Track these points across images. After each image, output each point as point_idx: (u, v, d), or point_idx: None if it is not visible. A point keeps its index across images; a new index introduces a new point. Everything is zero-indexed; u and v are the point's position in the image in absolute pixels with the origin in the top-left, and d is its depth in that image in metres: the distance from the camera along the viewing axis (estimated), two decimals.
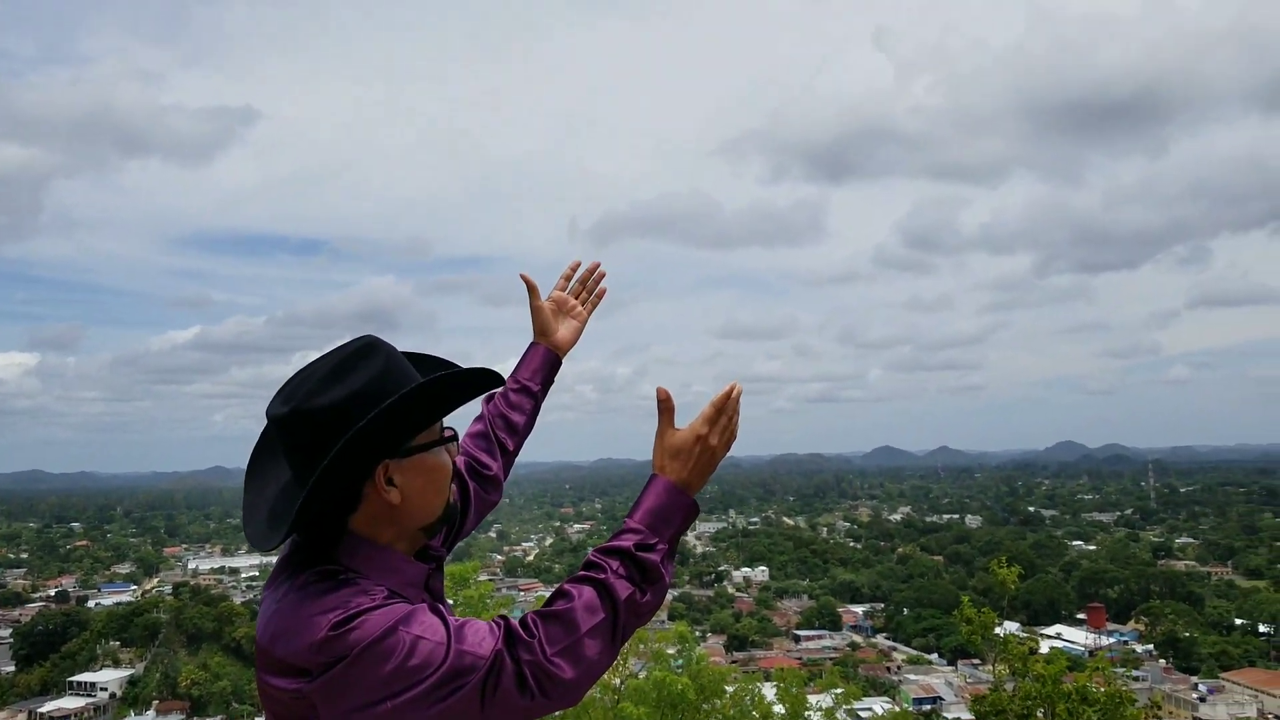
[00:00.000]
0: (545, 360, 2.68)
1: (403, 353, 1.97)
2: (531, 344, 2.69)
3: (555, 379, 2.71)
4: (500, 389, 2.54)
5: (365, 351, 1.87)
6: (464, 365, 2.02)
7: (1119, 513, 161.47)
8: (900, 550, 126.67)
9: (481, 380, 1.94)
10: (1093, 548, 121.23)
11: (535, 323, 2.70)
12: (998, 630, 8.99)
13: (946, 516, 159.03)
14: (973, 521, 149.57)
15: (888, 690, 62.50)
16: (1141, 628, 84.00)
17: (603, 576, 1.86)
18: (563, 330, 2.72)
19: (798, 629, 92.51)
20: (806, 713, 13.90)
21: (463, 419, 2.04)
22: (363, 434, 1.78)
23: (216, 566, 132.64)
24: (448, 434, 1.97)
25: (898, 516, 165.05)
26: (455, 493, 2.01)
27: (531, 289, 2.67)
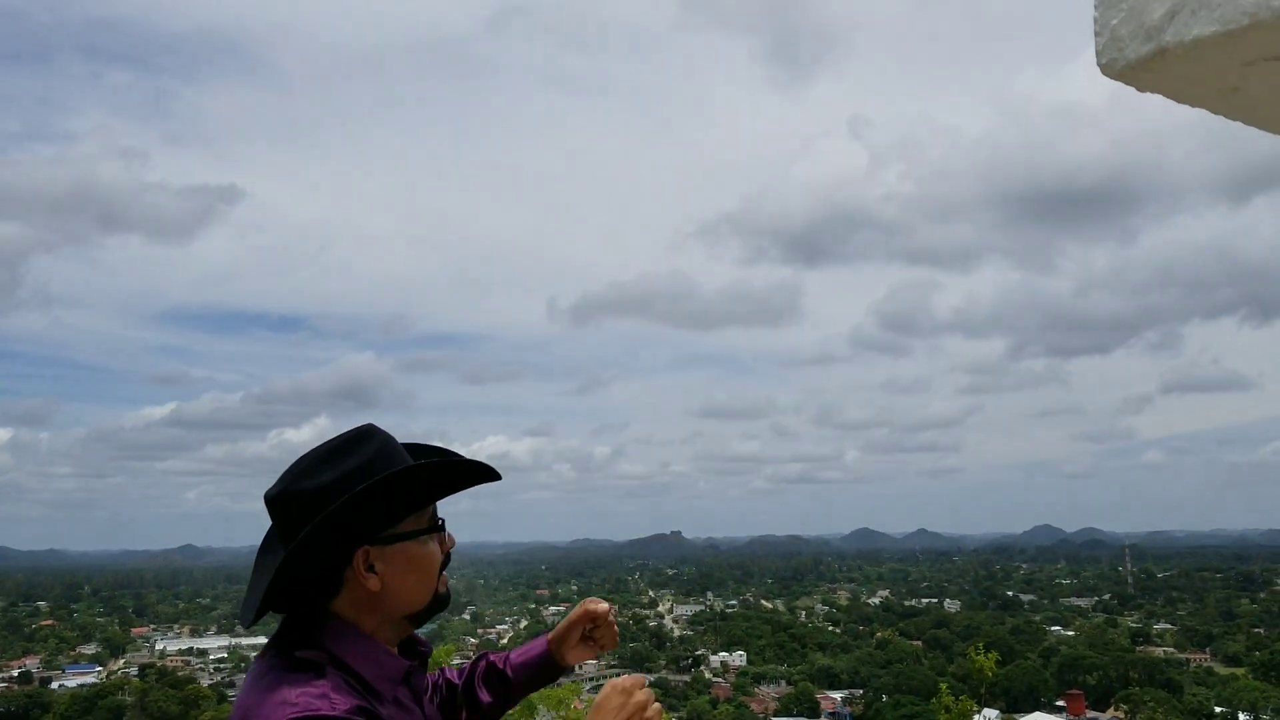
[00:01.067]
0: (542, 663, 2.39)
1: (405, 443, 1.98)
2: (545, 639, 2.41)
3: (541, 687, 2.46)
4: (486, 658, 2.40)
5: (361, 438, 1.90)
6: (450, 447, 2.04)
7: (1097, 598, 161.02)
8: (879, 635, 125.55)
9: (465, 472, 1.93)
10: (1071, 633, 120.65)
11: (564, 629, 2.40)
12: (976, 718, 9.04)
13: (925, 600, 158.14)
14: (951, 605, 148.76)
15: None
16: (1121, 715, 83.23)
17: None
18: (579, 650, 2.41)
19: (776, 716, 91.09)
20: None
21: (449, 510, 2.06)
22: (334, 517, 1.80)
23: (185, 648, 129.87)
24: (438, 522, 1.96)
25: (876, 600, 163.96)
26: (445, 582, 1.95)
27: (597, 617, 2.37)
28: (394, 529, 1.87)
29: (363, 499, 1.81)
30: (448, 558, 1.96)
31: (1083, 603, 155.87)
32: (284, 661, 1.83)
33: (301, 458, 1.89)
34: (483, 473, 1.96)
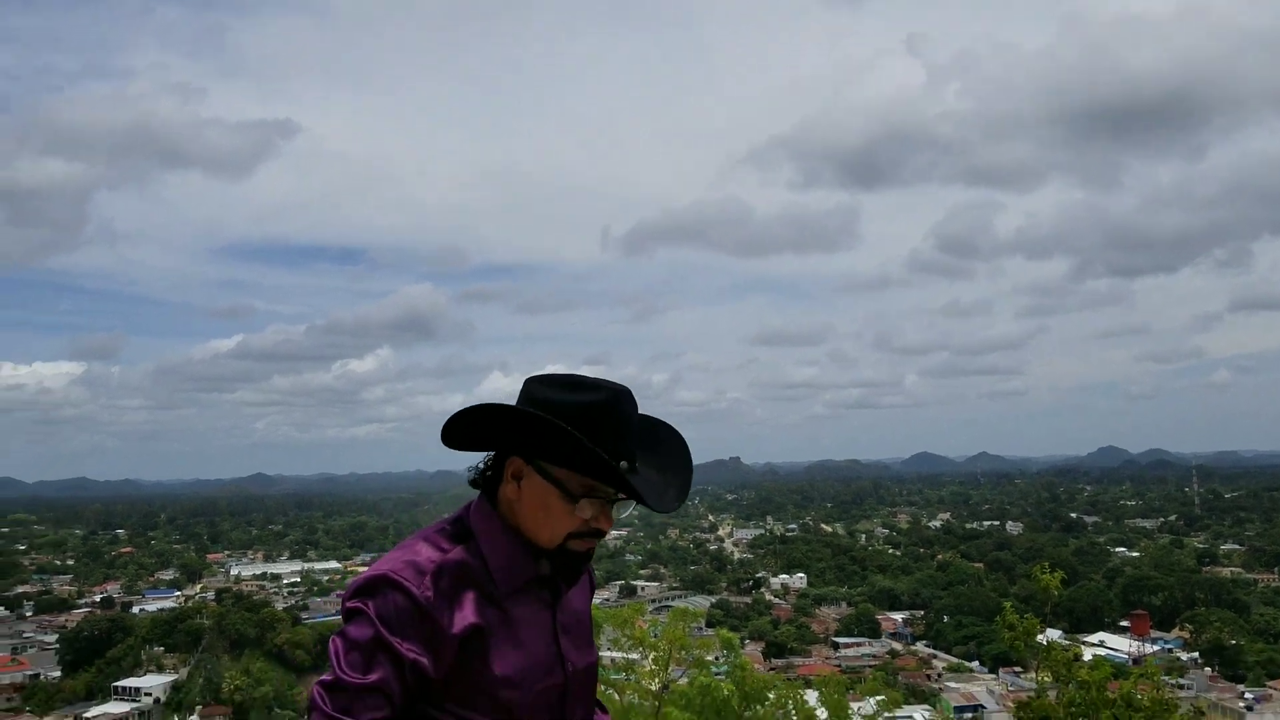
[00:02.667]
0: None
1: (645, 415, 2.08)
2: None
3: None
4: None
5: (600, 391, 1.95)
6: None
7: (1162, 519, 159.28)
8: (940, 557, 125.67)
9: (616, 480, 1.94)
10: (1136, 554, 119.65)
11: None
12: (1040, 638, 8.97)
13: (987, 523, 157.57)
14: (1014, 528, 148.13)
15: (928, 698, 62.06)
16: (1186, 635, 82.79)
17: None
18: None
19: (836, 636, 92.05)
20: (849, 718, 13.90)
21: None
22: (510, 417, 1.93)
23: (259, 573, 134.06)
24: (607, 494, 1.97)
25: (937, 523, 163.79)
26: (584, 548, 1.99)
27: None
28: (549, 464, 1.94)
29: (532, 427, 1.91)
30: (593, 532, 1.96)
31: (1148, 524, 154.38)
32: (437, 525, 1.99)
33: (563, 374, 1.99)
34: (639, 499, 1.97)
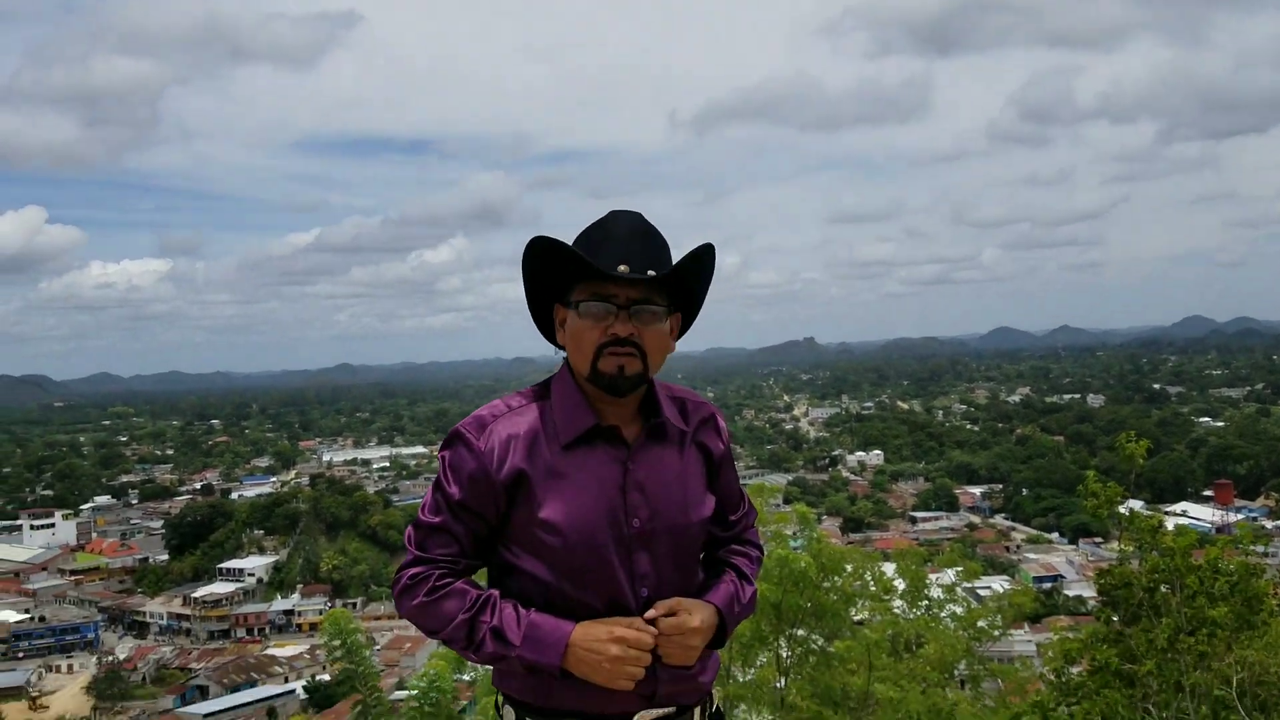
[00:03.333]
0: None
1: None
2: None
3: None
4: None
5: (609, 219, 2.03)
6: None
7: (1249, 388, 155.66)
8: (1019, 431, 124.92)
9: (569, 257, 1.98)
10: (1221, 424, 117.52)
11: None
12: (1122, 508, 9.01)
13: (1067, 396, 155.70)
14: (1095, 401, 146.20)
15: (1007, 569, 62.52)
16: (1271, 504, 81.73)
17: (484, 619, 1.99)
18: None
19: (914, 511, 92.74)
20: (927, 589, 14.17)
21: None
22: (530, 264, 2.05)
23: (349, 458, 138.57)
24: (605, 298, 1.97)
25: (1016, 398, 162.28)
26: (615, 365, 1.95)
27: None
28: (569, 295, 2.02)
29: (536, 256, 2.03)
30: (614, 340, 1.95)
31: (1234, 393, 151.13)
32: (525, 388, 2.11)
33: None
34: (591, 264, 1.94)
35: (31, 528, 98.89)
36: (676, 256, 2.02)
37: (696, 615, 1.96)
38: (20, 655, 67.08)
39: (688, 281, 2.06)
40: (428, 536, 1.99)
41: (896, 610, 14.15)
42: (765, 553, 2.31)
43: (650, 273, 1.95)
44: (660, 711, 2.01)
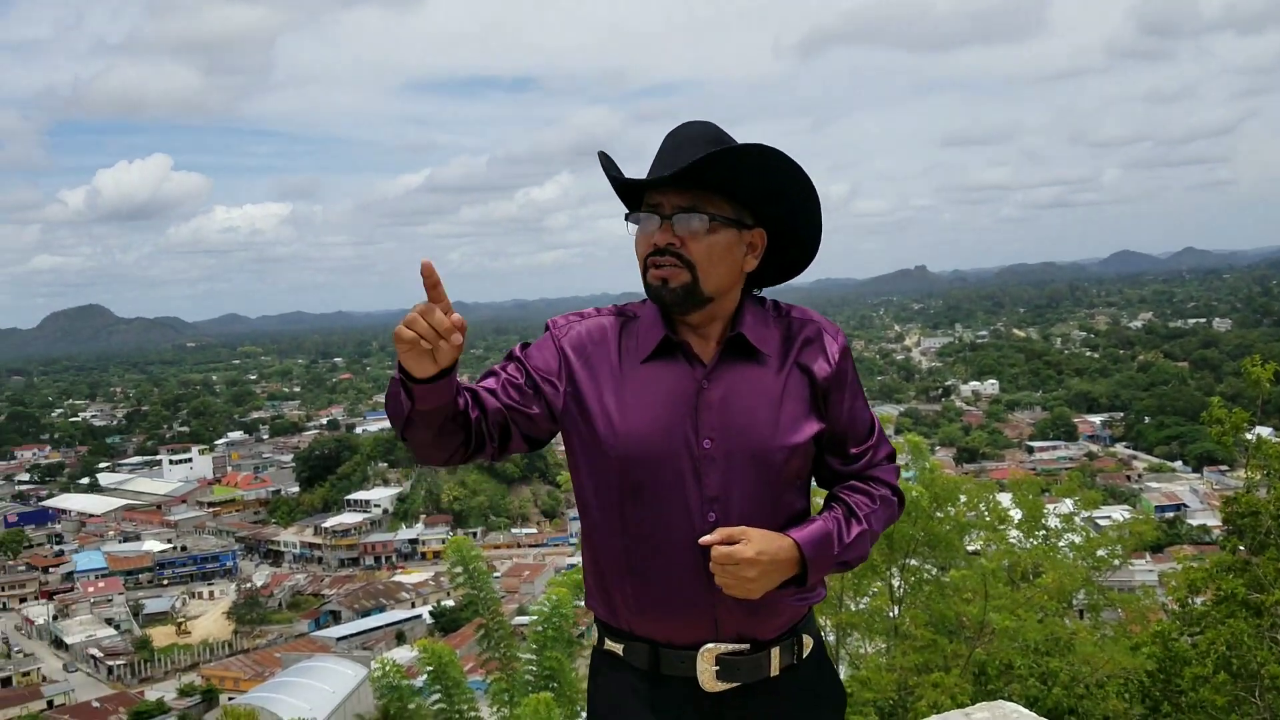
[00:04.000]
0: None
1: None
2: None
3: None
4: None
5: (679, 129, 1.95)
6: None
7: None
8: (1141, 358, 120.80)
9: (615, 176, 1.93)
10: None
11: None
12: (1249, 435, 8.81)
13: (1192, 321, 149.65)
14: (1221, 325, 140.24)
15: (1128, 499, 61.05)
16: None
17: None
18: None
19: (1031, 440, 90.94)
20: (1044, 518, 14.10)
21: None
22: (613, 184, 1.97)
23: None
24: (647, 206, 1.91)
25: (1138, 323, 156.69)
26: (658, 278, 1.88)
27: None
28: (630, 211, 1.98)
29: (607, 171, 1.95)
30: (657, 250, 1.87)
31: None
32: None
33: None
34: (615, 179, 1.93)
35: (170, 463, 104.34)
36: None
37: (754, 546, 1.77)
38: (165, 582, 71.30)
39: (719, 183, 1.86)
40: (492, 374, 1.96)
41: (1012, 540, 14.11)
42: (903, 498, 2.06)
43: (665, 174, 1.83)
44: (729, 647, 1.89)
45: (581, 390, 1.94)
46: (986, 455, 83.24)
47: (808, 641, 1.99)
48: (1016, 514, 13.84)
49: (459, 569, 11.75)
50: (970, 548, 13.73)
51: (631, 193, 1.95)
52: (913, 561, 13.24)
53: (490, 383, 1.93)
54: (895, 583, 13.25)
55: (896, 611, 12.91)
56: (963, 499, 13.34)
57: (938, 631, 11.96)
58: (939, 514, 12.95)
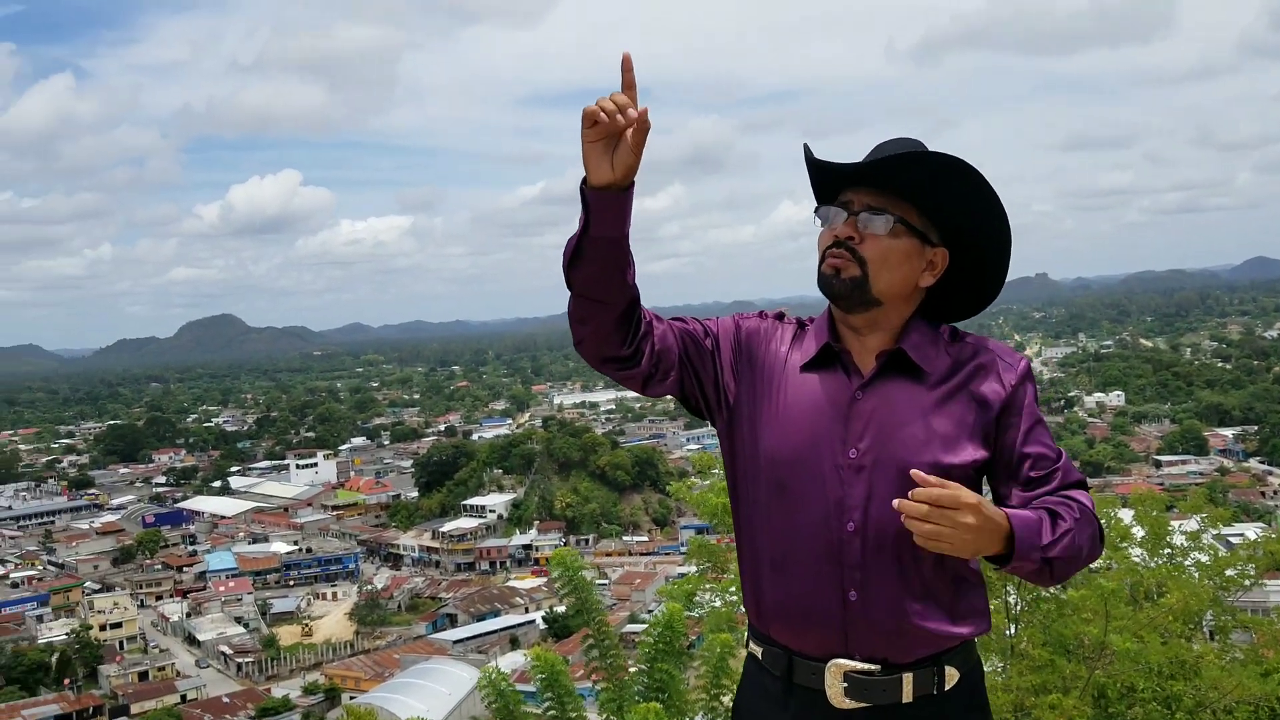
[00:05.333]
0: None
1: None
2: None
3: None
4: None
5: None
6: (813, 205, 2.02)
7: None
8: (1277, 369, 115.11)
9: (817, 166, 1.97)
10: None
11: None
12: None
13: None
14: None
15: (1262, 516, 58.23)
16: None
17: None
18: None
19: (1158, 454, 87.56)
20: (1169, 536, 13.67)
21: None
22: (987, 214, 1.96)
23: (578, 401, 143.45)
24: (836, 201, 1.94)
25: (1274, 333, 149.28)
26: (831, 267, 1.89)
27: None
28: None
29: (808, 159, 1.98)
30: (835, 242, 1.89)
31: None
32: None
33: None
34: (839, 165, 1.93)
35: (297, 467, 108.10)
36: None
37: (974, 497, 1.67)
38: (291, 583, 73.75)
39: (910, 189, 1.87)
40: (678, 319, 2.05)
41: (1135, 558, 13.72)
42: (1104, 526, 1.93)
43: (844, 163, 1.90)
44: (857, 665, 1.85)
45: (742, 385, 1.98)
46: (1111, 469, 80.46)
47: (952, 674, 1.89)
48: (1139, 531, 13.46)
49: (563, 579, 11.94)
50: (1091, 565, 13.41)
51: (825, 190, 1.97)
52: None
53: (676, 322, 2.01)
54: (1011, 599, 13.04)
55: (1013, 630, 12.69)
56: None
57: (1055, 652, 11.72)
58: None
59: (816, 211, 1.96)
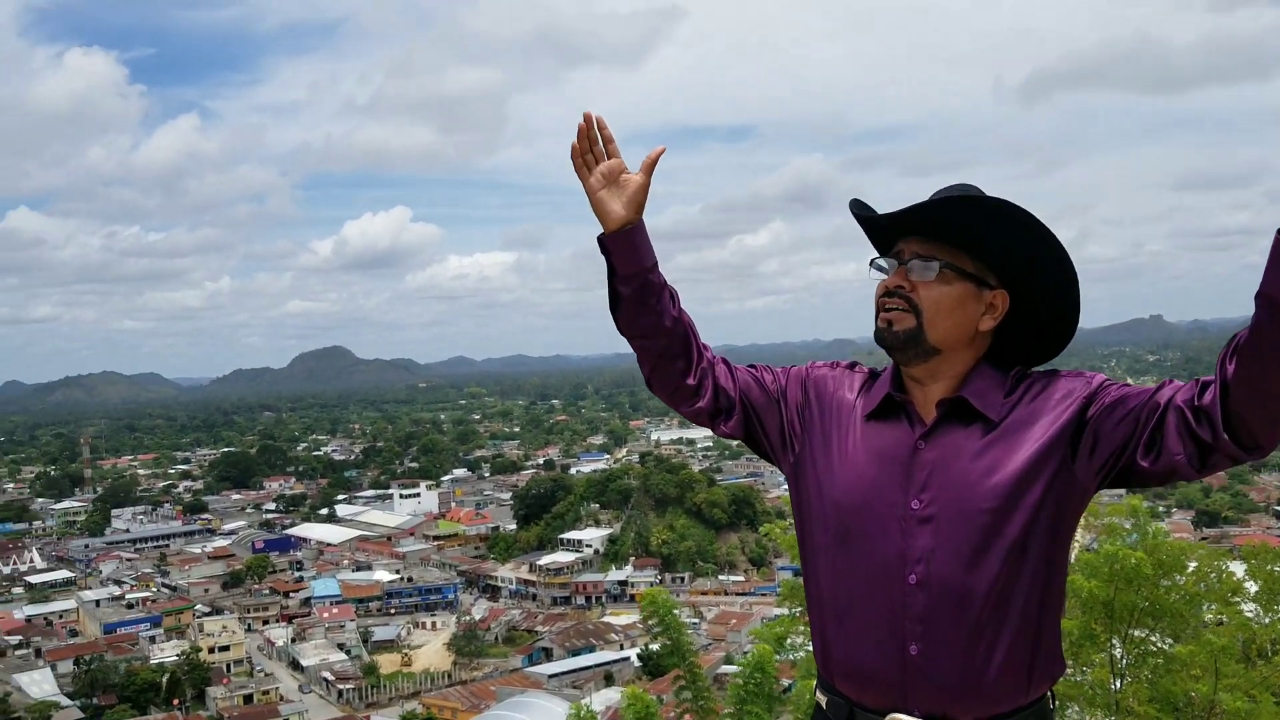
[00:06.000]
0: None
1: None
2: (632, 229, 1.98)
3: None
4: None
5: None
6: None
7: None
8: None
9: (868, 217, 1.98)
10: None
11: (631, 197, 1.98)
12: None
13: None
14: None
15: None
16: None
17: None
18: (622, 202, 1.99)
19: (1278, 505, 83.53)
20: None
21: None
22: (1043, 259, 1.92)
23: (676, 437, 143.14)
24: (889, 253, 1.95)
25: None
26: (885, 320, 1.89)
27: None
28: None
29: (857, 212, 2.01)
30: (887, 293, 1.90)
31: None
32: None
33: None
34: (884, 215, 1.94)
35: (401, 496, 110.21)
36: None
37: None
38: (392, 611, 74.96)
39: (959, 234, 1.85)
40: (751, 366, 2.15)
41: (1248, 614, 13.17)
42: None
43: (883, 212, 1.92)
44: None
45: (808, 431, 2.01)
46: (1229, 520, 77.03)
47: None
48: (1253, 586, 12.92)
49: (653, 620, 11.92)
50: (1205, 620, 12.88)
51: (882, 240, 1.98)
52: (1138, 632, 12.56)
53: (743, 367, 2.12)
54: (1117, 653, 12.62)
55: (1119, 685, 12.28)
56: (1190, 567, 12.59)
57: (1163, 709, 11.32)
58: (1165, 582, 12.27)
59: (871, 264, 1.96)
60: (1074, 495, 1.83)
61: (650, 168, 1.98)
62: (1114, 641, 12.63)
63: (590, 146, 1.96)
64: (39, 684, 55.55)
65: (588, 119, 1.95)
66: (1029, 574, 1.80)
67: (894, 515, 1.84)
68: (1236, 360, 1.63)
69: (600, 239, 1.98)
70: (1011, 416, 1.85)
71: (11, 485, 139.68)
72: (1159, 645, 12.63)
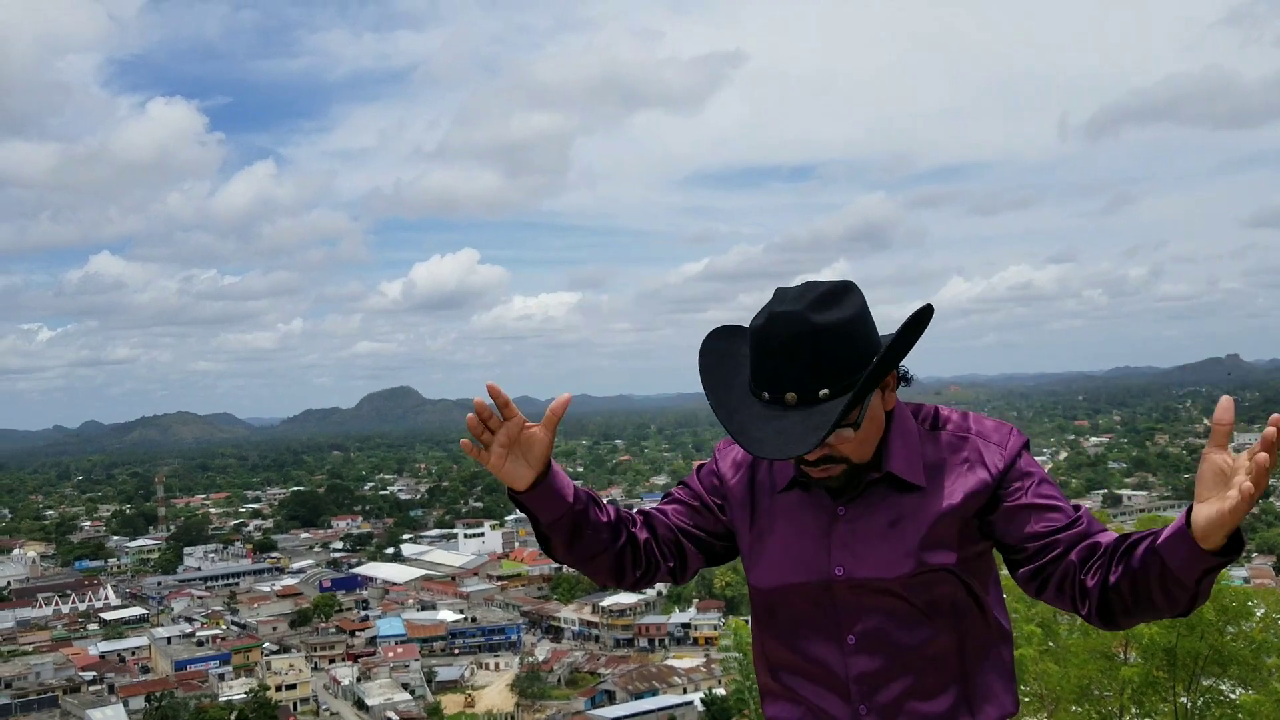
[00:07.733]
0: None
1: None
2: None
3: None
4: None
5: (848, 288, 1.83)
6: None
7: None
8: None
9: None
10: None
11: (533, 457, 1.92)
12: None
13: None
14: None
15: None
16: None
17: None
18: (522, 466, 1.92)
19: None
20: None
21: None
22: (897, 349, 1.78)
23: None
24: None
25: None
26: (818, 476, 1.87)
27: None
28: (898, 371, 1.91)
29: (909, 334, 1.80)
30: (808, 463, 1.88)
31: None
32: None
33: (795, 296, 1.79)
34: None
35: (465, 536, 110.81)
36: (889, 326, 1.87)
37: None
38: (456, 651, 75.22)
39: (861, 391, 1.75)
40: (668, 499, 2.14)
41: None
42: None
43: (790, 396, 1.74)
44: None
45: (732, 514, 2.04)
46: None
47: None
48: None
49: (737, 654, 12.01)
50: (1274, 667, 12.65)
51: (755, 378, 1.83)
52: (1205, 680, 12.37)
53: (665, 505, 2.11)
54: (1184, 700, 12.44)
55: None
56: (1258, 614, 12.40)
57: None
58: (1231, 629, 12.11)
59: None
60: (984, 551, 1.92)
61: (553, 424, 1.89)
62: (1177, 690, 12.47)
63: (486, 421, 1.85)
64: None
65: (489, 390, 1.85)
66: (945, 637, 1.87)
67: (822, 586, 1.88)
68: (1115, 590, 1.69)
69: (513, 497, 1.93)
70: (933, 475, 1.88)
71: (89, 523, 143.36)
72: (1226, 695, 12.44)
